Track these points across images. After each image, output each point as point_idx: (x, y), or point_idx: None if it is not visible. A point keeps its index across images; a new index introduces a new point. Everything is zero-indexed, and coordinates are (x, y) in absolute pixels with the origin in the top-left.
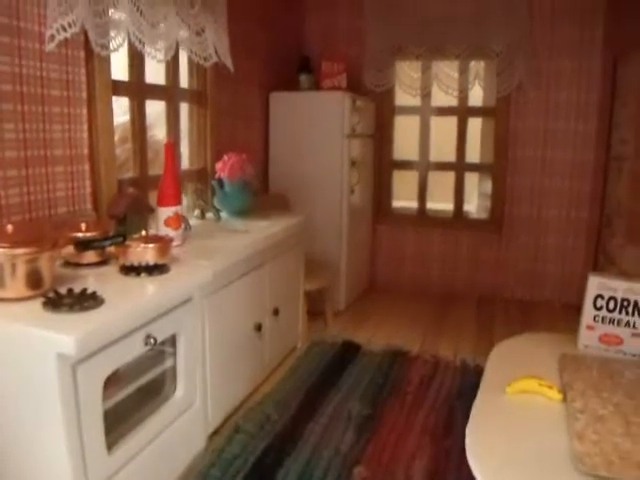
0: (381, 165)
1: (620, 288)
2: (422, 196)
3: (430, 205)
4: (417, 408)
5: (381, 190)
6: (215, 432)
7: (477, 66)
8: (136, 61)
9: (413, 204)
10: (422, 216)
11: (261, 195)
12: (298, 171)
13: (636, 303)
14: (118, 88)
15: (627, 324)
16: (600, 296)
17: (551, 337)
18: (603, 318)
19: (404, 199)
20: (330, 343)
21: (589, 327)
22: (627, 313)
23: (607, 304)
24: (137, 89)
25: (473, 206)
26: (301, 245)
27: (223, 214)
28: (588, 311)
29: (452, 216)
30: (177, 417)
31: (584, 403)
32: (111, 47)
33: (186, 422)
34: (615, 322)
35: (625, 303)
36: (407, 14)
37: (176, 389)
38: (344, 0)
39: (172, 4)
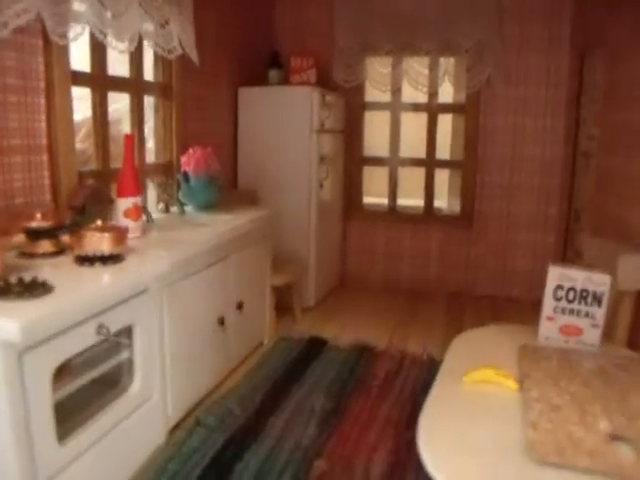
0: (351, 161)
1: (579, 278)
2: (393, 192)
3: (401, 201)
4: (381, 402)
5: (351, 186)
6: (176, 426)
7: (447, 62)
8: (97, 52)
9: (384, 200)
10: (393, 212)
11: (229, 190)
12: (267, 166)
13: (595, 293)
14: (78, 79)
15: (587, 315)
16: (560, 287)
17: (513, 329)
18: (563, 309)
19: (375, 195)
20: (297, 339)
21: (549, 318)
22: (586, 304)
23: (567, 295)
24: (98, 80)
25: (444, 202)
26: (267, 239)
27: (188, 208)
28: (548, 302)
29: (423, 212)
30: (134, 410)
31: (540, 392)
32: (70, 37)
33: (144, 416)
34: (575, 313)
35: (584, 294)
36: (377, 10)
37: (133, 382)
38: None
39: None
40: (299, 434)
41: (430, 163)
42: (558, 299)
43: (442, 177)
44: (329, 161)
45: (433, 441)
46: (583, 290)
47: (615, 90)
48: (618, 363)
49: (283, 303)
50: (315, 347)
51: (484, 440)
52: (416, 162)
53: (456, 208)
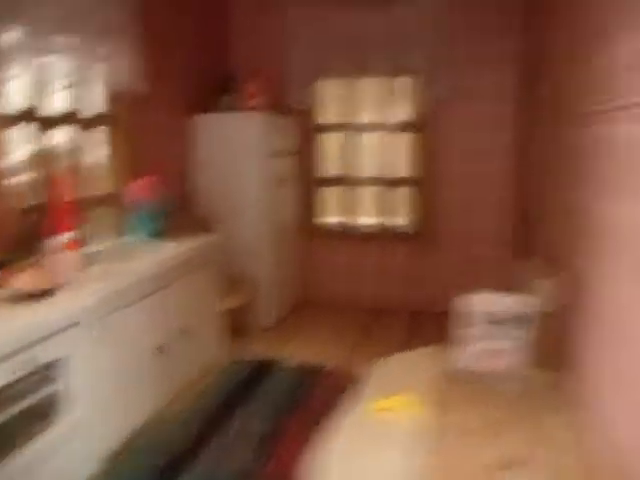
0: (307, 182)
1: (503, 302)
2: (351, 211)
3: (360, 220)
4: (321, 424)
5: (309, 207)
6: (112, 455)
7: (401, 82)
8: (38, 87)
9: (343, 219)
10: (351, 231)
11: (184, 217)
12: (223, 191)
13: (519, 316)
14: (16, 118)
15: (510, 337)
16: (483, 311)
17: (440, 351)
18: (486, 333)
19: (334, 215)
20: (248, 361)
21: (471, 342)
22: (510, 327)
23: (490, 318)
24: (38, 116)
25: (403, 220)
26: (214, 264)
27: (134, 237)
28: (470, 326)
29: (381, 230)
30: (66, 441)
31: (454, 417)
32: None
33: (76, 446)
34: (498, 336)
35: (508, 317)
36: (330, 33)
37: (65, 413)
38: (267, 20)
39: (75, 29)
40: (235, 459)
41: (388, 181)
42: (481, 323)
43: (401, 195)
44: (284, 183)
45: (319, 472)
46: (507, 313)
47: (557, 104)
48: (536, 386)
49: (241, 324)
50: (264, 369)
51: (373, 469)
52: (374, 181)
53: (416, 225)
